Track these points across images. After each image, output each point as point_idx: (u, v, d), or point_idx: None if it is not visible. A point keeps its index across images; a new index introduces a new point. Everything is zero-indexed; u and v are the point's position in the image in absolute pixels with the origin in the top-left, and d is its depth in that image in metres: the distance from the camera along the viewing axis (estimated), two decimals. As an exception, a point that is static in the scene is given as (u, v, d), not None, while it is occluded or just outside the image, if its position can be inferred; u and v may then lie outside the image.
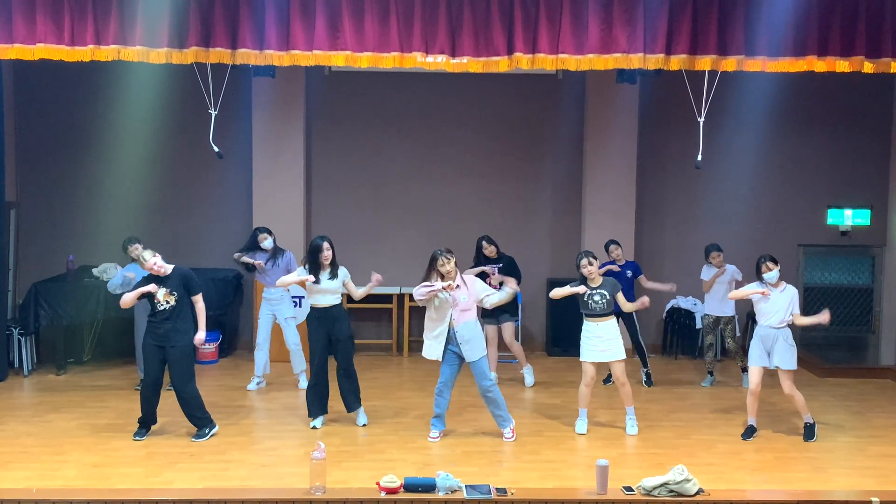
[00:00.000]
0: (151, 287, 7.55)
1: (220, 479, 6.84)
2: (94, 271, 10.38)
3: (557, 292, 8.03)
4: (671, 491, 6.42)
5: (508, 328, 9.59)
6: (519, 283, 9.55)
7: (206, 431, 7.75)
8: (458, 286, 7.66)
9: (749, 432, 7.95)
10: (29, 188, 11.30)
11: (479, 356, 7.70)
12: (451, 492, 6.40)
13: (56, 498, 6.37)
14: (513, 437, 7.76)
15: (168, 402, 8.42)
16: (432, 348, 7.76)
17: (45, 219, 11.31)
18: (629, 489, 6.50)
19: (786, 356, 7.80)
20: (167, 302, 7.57)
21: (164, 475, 6.89)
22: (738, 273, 9.57)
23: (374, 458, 7.33)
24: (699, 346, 11.22)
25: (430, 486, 6.41)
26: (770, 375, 7.99)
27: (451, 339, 7.67)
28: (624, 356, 7.98)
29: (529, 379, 9.79)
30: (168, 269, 7.67)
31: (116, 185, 11.01)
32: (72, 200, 11.26)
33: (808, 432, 7.91)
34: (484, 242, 9.62)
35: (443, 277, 7.66)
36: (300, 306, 10.40)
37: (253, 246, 9.48)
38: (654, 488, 6.43)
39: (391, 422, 8.35)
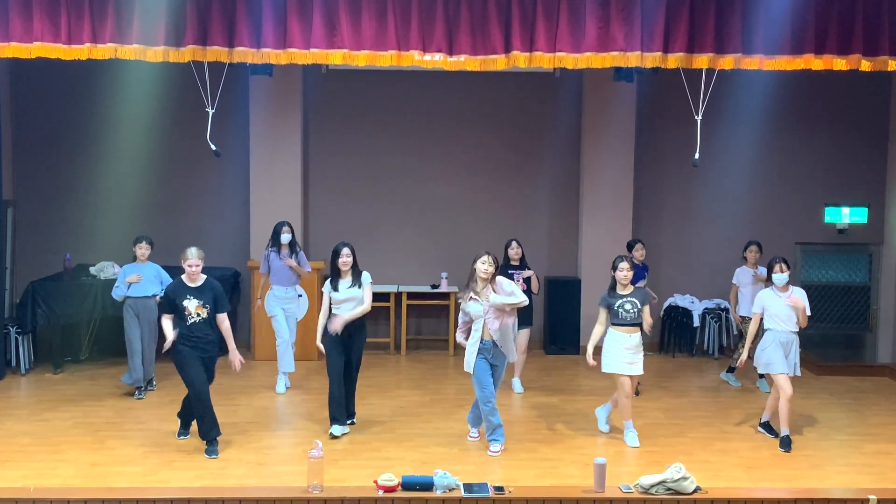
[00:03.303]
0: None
1: (217, 477, 6.83)
2: (92, 270, 10.37)
3: (597, 333, 7.70)
4: (668, 489, 6.43)
5: (524, 335, 9.27)
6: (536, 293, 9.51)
7: (216, 446, 7.30)
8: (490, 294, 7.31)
9: (788, 441, 7.65)
10: (26, 187, 11.29)
11: (513, 358, 7.52)
12: (449, 490, 6.40)
13: (53, 497, 6.36)
14: (478, 438, 7.67)
15: (166, 402, 8.42)
16: (468, 361, 7.40)
17: (42, 217, 11.30)
18: (627, 487, 6.51)
19: (798, 362, 7.72)
20: (198, 315, 7.20)
21: (162, 474, 6.88)
22: (763, 272, 9.21)
23: (371, 456, 7.33)
24: (696, 344, 11.25)
25: (427, 485, 6.41)
26: (751, 376, 7.98)
27: (484, 348, 7.33)
28: (642, 372, 7.73)
29: (518, 387, 9.48)
30: (201, 278, 7.31)
31: (113, 183, 11.00)
32: (69, 199, 11.25)
33: (786, 443, 7.61)
34: (514, 243, 9.26)
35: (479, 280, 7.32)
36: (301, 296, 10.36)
37: (276, 240, 9.28)
38: (652, 486, 6.44)
39: (389, 420, 8.34)
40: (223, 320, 7.36)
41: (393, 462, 7.13)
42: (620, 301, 7.58)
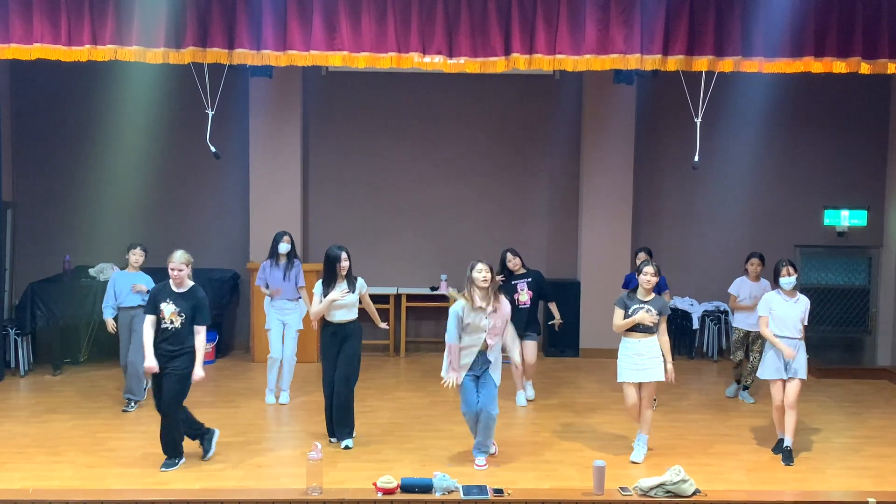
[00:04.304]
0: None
1: (216, 479, 6.83)
2: (91, 271, 10.38)
3: (620, 325, 7.27)
4: (668, 491, 6.43)
5: (532, 346, 8.95)
6: (550, 301, 9.18)
7: (176, 462, 7.06)
8: (494, 310, 7.02)
9: (780, 446, 7.56)
10: (26, 188, 11.29)
11: (499, 381, 7.15)
12: (448, 492, 6.40)
13: (52, 499, 6.37)
14: (486, 466, 7.11)
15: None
16: (460, 377, 7.05)
17: (41, 219, 11.30)
18: (626, 490, 6.51)
19: (804, 366, 7.43)
20: (171, 321, 6.90)
21: (160, 476, 6.88)
22: (769, 287, 8.91)
23: (370, 458, 7.32)
24: (696, 346, 11.26)
25: (426, 487, 6.41)
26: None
27: (473, 363, 7.08)
28: (662, 377, 7.24)
29: (525, 396, 9.13)
30: (186, 284, 7.03)
31: (113, 185, 11.00)
32: (68, 201, 11.26)
33: (787, 456, 7.39)
34: (508, 255, 8.98)
35: (478, 290, 6.99)
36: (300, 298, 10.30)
37: (274, 250, 9.08)
38: (651, 489, 6.44)
39: (388, 422, 8.34)
40: (199, 332, 6.97)
41: (392, 464, 7.13)
42: (636, 307, 7.21)
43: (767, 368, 7.54)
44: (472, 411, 7.14)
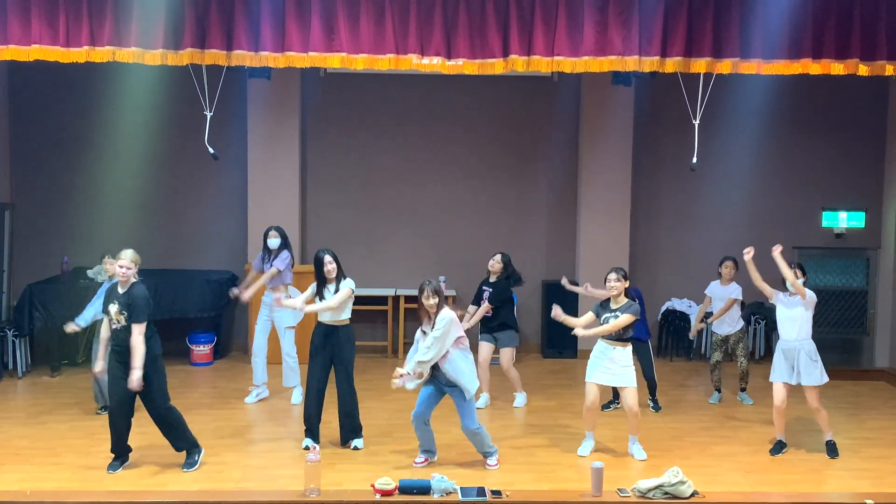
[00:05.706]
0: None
1: (214, 480, 6.82)
2: (89, 273, 10.35)
3: (579, 321, 7.45)
4: (666, 493, 6.43)
5: (507, 353, 8.87)
6: (501, 305, 8.86)
7: (196, 458, 7.04)
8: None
9: (778, 447, 7.64)
10: (24, 190, 11.28)
11: (474, 389, 6.97)
12: (446, 494, 6.40)
13: (49, 500, 6.37)
14: (497, 465, 7.15)
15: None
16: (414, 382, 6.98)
17: (39, 220, 11.29)
18: (624, 491, 6.51)
19: (810, 372, 7.50)
20: (117, 321, 6.73)
21: (159, 477, 6.87)
22: (740, 294, 9.06)
23: (368, 460, 7.32)
24: (694, 349, 11.26)
25: (424, 489, 6.41)
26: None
27: (435, 374, 7.03)
28: (635, 384, 7.36)
29: (520, 401, 9.08)
30: (129, 283, 6.78)
31: (111, 186, 11.00)
32: (67, 202, 11.25)
33: (832, 449, 7.59)
34: (498, 256, 8.88)
35: (426, 311, 6.95)
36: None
37: (265, 245, 8.96)
38: (649, 490, 6.45)
39: (386, 423, 8.33)
40: (134, 330, 6.64)
41: (390, 466, 7.12)
42: (606, 315, 7.33)
43: (775, 371, 7.63)
44: (417, 416, 7.11)
